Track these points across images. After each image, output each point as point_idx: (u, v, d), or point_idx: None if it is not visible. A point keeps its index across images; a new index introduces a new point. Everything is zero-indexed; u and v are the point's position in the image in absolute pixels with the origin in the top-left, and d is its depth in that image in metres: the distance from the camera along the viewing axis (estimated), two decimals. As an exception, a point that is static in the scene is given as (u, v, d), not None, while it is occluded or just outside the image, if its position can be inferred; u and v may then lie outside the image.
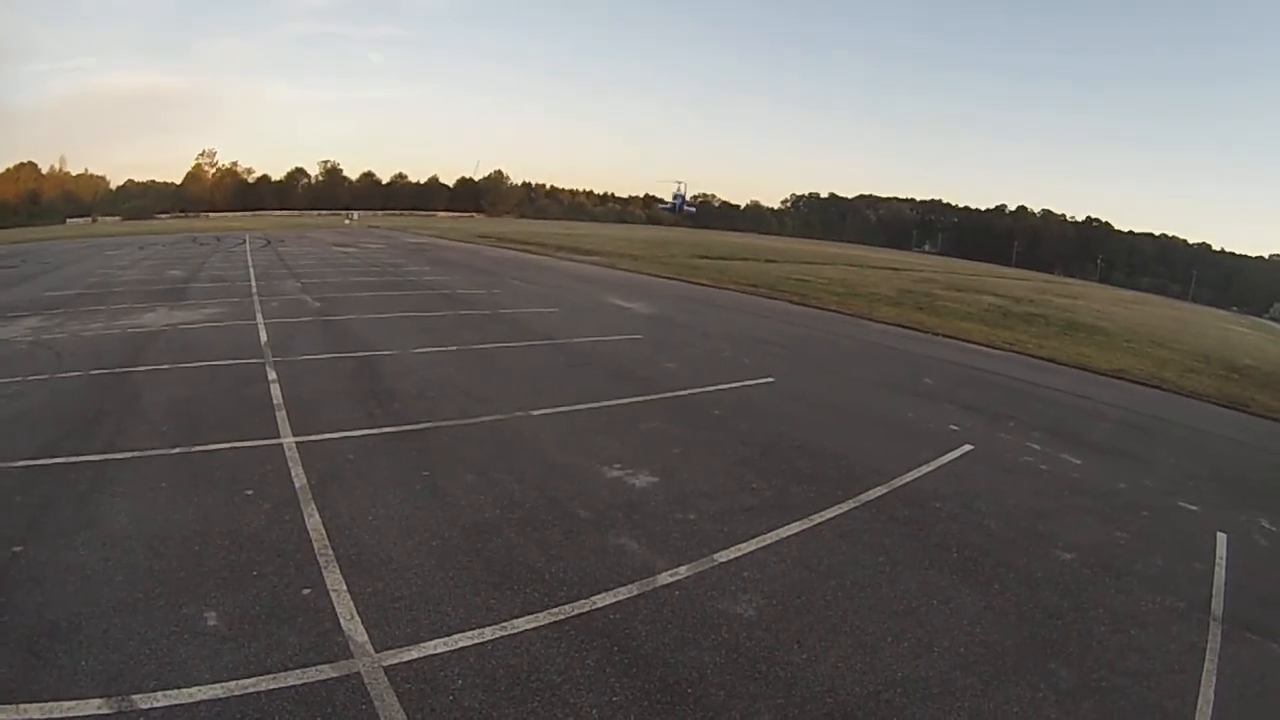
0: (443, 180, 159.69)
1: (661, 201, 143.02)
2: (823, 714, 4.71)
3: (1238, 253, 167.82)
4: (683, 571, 6.28)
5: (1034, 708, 5.10)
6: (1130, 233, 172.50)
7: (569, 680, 4.68)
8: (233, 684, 4.35)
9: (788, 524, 7.51)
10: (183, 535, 6.11)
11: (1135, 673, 5.73)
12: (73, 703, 4.12)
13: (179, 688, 4.29)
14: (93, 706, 4.11)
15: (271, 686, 4.36)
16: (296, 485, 7.27)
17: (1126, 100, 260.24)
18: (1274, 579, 8.05)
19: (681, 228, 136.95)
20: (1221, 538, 8.82)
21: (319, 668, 4.57)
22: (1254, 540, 9.05)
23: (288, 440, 8.55)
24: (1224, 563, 8.13)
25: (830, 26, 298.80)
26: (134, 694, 4.21)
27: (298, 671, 4.51)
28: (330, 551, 5.99)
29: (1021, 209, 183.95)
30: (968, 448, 11.03)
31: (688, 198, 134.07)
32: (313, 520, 6.52)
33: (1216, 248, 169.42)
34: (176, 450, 8.02)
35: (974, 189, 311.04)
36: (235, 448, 8.22)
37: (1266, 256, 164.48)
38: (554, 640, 5.10)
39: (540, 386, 12.02)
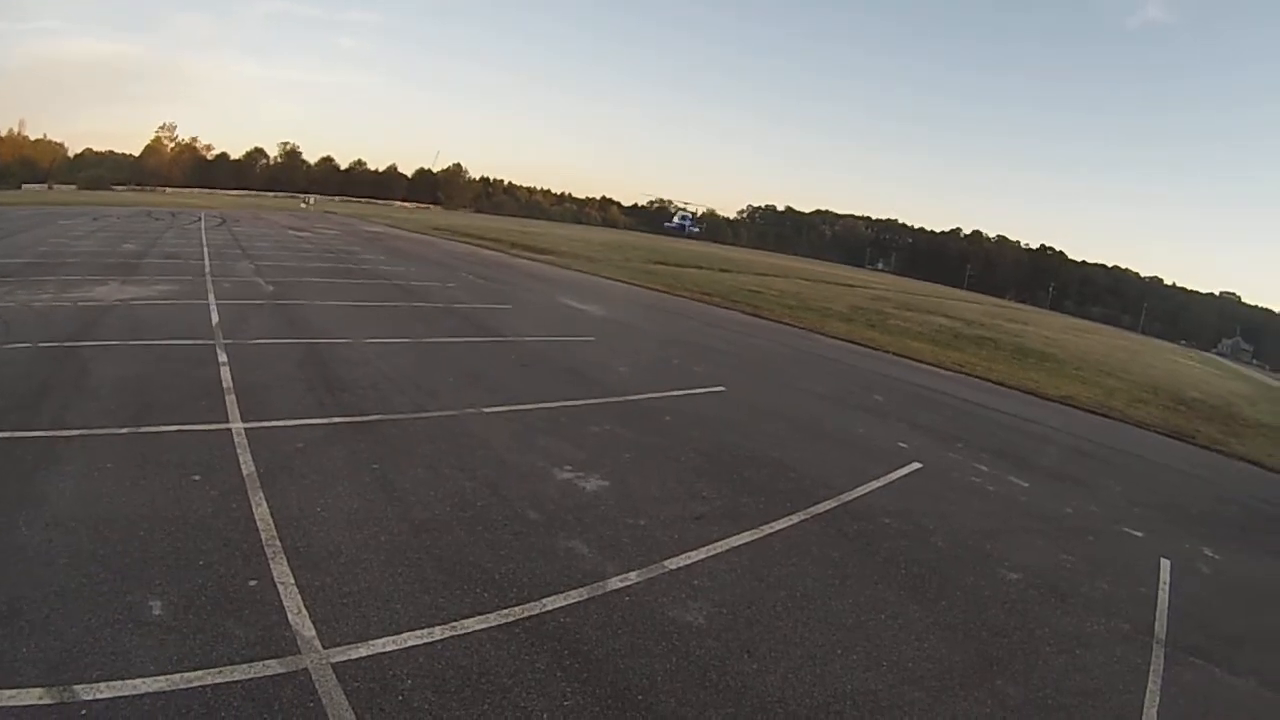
0: (401, 170, 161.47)
1: (667, 219, 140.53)
2: (774, 723, 4.73)
3: (1188, 288, 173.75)
4: (633, 577, 6.28)
5: (982, 723, 5.19)
6: (1083, 262, 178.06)
7: (519, 683, 4.65)
8: (177, 677, 4.23)
9: (738, 534, 7.54)
10: (129, 519, 5.95)
11: (1081, 692, 5.86)
12: (13, 691, 3.98)
13: (123, 679, 4.16)
14: (33, 696, 3.97)
15: (217, 680, 4.25)
16: (245, 472, 7.13)
17: (1085, 131, 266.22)
18: (1216, 605, 8.30)
19: (637, 232, 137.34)
20: (1165, 564, 9.05)
21: (266, 663, 4.47)
22: (1197, 567, 9.31)
23: (236, 425, 8.39)
24: (1168, 588, 8.34)
25: (796, 40, 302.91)
26: (76, 684, 4.07)
27: (244, 666, 4.40)
28: (278, 542, 5.87)
29: (976, 233, 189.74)
30: (916, 465, 11.19)
31: (692, 219, 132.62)
32: (260, 509, 6.39)
33: (1168, 282, 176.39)
34: (125, 430, 7.83)
35: (930, 211, 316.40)
36: (184, 430, 8.04)
37: (1216, 294, 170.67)
38: (504, 642, 5.06)
39: (492, 383, 11.99)
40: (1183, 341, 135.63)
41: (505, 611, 5.43)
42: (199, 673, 4.29)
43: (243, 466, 7.27)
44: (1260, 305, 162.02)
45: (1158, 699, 5.95)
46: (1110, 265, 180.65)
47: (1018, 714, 5.38)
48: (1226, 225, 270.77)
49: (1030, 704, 5.54)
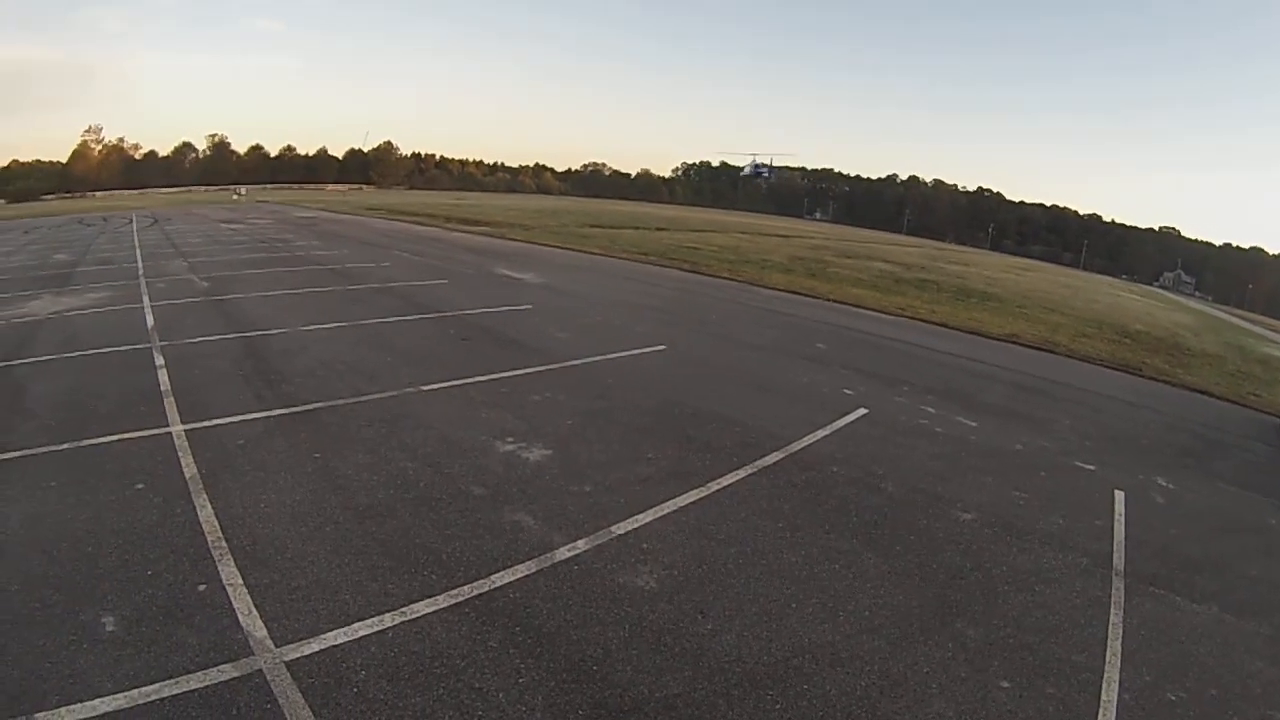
0: (332, 152, 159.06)
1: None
2: (731, 684, 4.75)
3: (1128, 224, 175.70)
4: (581, 545, 6.28)
5: (943, 667, 5.22)
6: (1021, 202, 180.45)
7: (473, 664, 4.64)
8: (135, 692, 4.17)
9: (685, 493, 7.56)
10: (76, 536, 5.82)
11: (1042, 629, 5.90)
12: (-27, 728, 3.89)
13: (82, 700, 4.10)
14: (-4, 731, 3.88)
15: (175, 691, 4.20)
16: (187, 475, 7.01)
17: (1017, 72, 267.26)
18: (1173, 534, 8.35)
19: (571, 198, 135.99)
20: (1119, 495, 9.15)
21: (220, 668, 4.41)
22: (1151, 497, 9.41)
23: (176, 428, 8.23)
24: (1123, 519, 8.42)
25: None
26: (38, 711, 4.00)
27: (199, 674, 4.35)
28: (224, 544, 5.79)
29: (913, 178, 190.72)
30: (863, 411, 11.25)
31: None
32: (204, 511, 6.29)
33: (1107, 218, 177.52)
34: (65, 446, 7.62)
35: (866, 158, 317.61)
36: (124, 439, 7.85)
37: (1156, 228, 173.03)
38: (454, 623, 5.05)
39: (430, 361, 11.93)
40: (1124, 276, 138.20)
41: (454, 592, 5.41)
42: (156, 685, 4.23)
43: (185, 470, 7.14)
44: (1200, 239, 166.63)
45: (1121, 631, 6.01)
46: (1049, 204, 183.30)
47: (980, 656, 5.41)
48: (1164, 161, 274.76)
49: (992, 645, 5.58)
